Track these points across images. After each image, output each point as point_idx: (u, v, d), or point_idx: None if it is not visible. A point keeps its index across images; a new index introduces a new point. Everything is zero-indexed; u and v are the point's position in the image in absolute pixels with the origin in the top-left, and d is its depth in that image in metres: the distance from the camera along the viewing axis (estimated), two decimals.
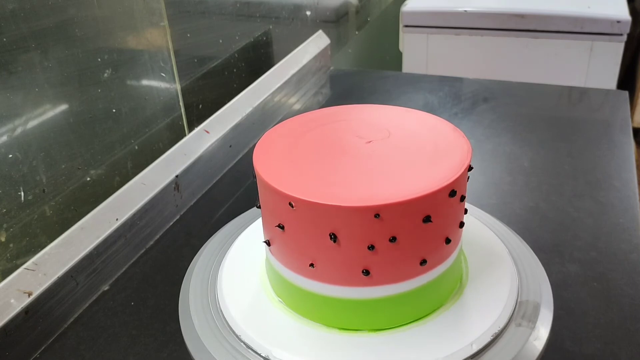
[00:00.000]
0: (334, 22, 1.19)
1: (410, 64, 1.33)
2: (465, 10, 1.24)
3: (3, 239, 0.48)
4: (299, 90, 0.93)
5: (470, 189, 0.56)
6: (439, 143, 0.43)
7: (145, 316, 0.49)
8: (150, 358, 0.45)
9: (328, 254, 0.39)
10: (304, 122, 0.47)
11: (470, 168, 0.40)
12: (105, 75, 0.57)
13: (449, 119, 0.82)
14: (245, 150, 0.77)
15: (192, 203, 0.65)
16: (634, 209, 0.59)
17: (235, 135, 0.74)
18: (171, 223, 0.62)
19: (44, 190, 0.51)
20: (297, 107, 0.90)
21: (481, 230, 0.52)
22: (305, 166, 0.41)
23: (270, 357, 0.41)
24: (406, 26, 1.29)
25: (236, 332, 0.43)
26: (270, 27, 0.89)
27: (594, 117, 0.84)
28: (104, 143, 0.58)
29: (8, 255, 0.48)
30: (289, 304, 0.44)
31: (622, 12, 1.17)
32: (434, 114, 0.47)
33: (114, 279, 0.54)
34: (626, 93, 0.88)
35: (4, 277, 0.46)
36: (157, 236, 0.60)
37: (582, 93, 0.93)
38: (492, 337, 0.41)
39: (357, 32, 1.37)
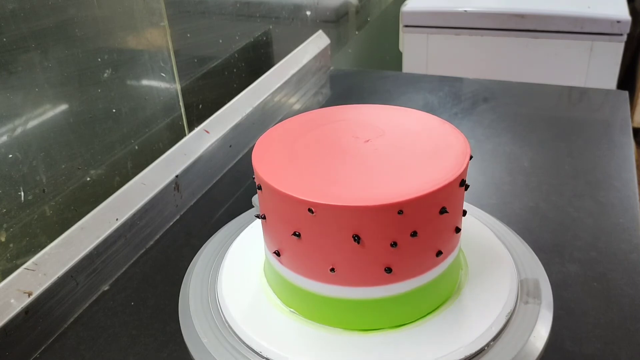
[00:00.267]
0: (334, 22, 1.19)
1: (410, 64, 1.33)
2: (465, 10, 1.24)
3: (3, 239, 0.48)
4: (299, 90, 0.93)
5: (470, 189, 0.56)
6: (434, 138, 0.43)
7: (145, 316, 0.49)
8: (150, 358, 0.45)
9: (350, 256, 0.39)
10: (301, 123, 0.47)
11: (470, 157, 0.41)
12: (105, 75, 0.57)
13: (449, 119, 0.82)
14: (245, 150, 0.77)
15: (192, 203, 0.65)
16: (634, 209, 0.59)
17: (235, 135, 0.74)
18: (171, 223, 0.62)
19: (44, 190, 0.51)
20: (297, 107, 0.90)
21: (481, 230, 0.52)
22: (308, 168, 0.41)
23: (270, 357, 0.41)
24: (406, 26, 1.29)
25: (236, 332, 0.43)
26: (270, 27, 0.89)
27: (594, 117, 0.84)
28: (104, 143, 0.58)
29: (8, 255, 0.48)
30: (304, 313, 0.44)
31: (622, 12, 1.17)
32: (434, 114, 0.48)
33: (114, 279, 0.54)
34: (626, 93, 0.88)
35: (4, 277, 0.46)
36: (157, 236, 0.60)
37: (582, 93, 0.93)
38: (491, 338, 0.41)
39: (357, 32, 1.37)
